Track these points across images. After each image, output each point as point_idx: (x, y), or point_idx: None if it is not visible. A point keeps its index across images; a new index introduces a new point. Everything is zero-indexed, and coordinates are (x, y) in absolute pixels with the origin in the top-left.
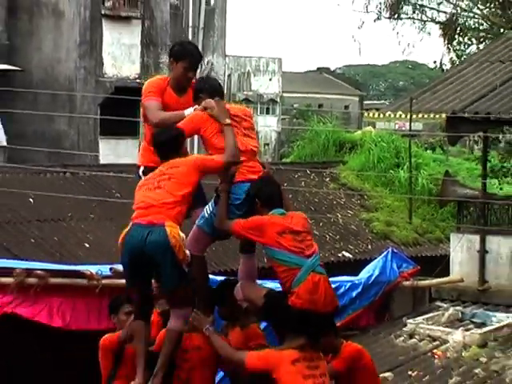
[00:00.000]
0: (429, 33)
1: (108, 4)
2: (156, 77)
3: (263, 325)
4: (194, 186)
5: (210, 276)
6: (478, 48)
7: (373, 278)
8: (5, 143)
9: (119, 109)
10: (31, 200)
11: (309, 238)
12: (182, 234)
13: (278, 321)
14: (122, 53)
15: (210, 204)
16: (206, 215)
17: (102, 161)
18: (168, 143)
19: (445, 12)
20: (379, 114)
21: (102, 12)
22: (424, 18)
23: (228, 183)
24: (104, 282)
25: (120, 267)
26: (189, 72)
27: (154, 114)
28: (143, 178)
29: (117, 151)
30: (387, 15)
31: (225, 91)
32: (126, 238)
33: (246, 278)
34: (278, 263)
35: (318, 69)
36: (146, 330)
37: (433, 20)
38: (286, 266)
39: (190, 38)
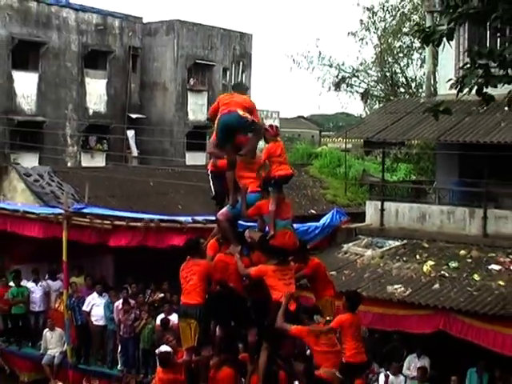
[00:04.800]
0: (355, 98)
1: (191, 83)
2: None
3: None
4: None
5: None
6: (379, 106)
7: (326, 223)
8: (136, 154)
9: (196, 137)
10: (151, 183)
11: (287, 210)
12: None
13: (265, 250)
14: (197, 108)
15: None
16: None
17: (187, 163)
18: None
19: (362, 87)
20: (329, 139)
21: (187, 87)
22: (352, 90)
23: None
24: (188, 225)
25: (196, 218)
26: None
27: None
28: None
29: (195, 158)
30: (334, 88)
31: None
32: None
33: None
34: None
35: (298, 116)
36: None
37: (356, 92)
38: None
39: None
